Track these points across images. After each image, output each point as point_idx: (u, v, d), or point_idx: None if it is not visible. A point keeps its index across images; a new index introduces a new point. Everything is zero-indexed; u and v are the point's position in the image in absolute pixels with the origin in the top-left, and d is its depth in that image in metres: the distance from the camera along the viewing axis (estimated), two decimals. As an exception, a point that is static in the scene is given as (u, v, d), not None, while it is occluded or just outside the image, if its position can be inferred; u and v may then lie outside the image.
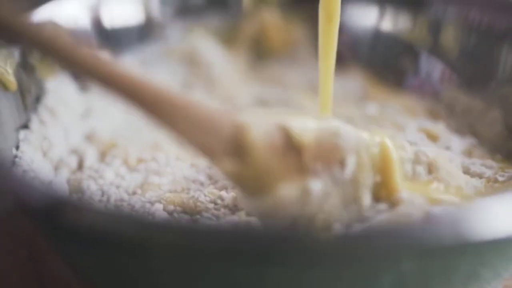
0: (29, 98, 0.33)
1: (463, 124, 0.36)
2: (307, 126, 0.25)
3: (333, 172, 0.25)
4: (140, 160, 0.32)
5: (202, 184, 0.31)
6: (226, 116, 0.25)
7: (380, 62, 0.41)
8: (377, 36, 0.41)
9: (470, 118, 0.37)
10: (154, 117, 0.24)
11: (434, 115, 0.38)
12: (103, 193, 0.30)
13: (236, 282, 0.22)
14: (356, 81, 0.41)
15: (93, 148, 0.34)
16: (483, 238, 0.20)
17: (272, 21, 0.43)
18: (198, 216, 0.29)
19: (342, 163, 0.25)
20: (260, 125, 0.25)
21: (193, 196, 0.30)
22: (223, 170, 0.25)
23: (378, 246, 0.20)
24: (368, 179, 0.25)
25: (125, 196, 0.30)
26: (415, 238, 0.20)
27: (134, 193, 0.30)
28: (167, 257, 0.21)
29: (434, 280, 0.23)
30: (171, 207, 0.29)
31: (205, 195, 0.30)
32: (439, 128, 0.36)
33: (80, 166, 0.33)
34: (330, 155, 0.25)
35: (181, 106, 0.24)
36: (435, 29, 0.39)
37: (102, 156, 0.33)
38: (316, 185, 0.24)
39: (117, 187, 0.31)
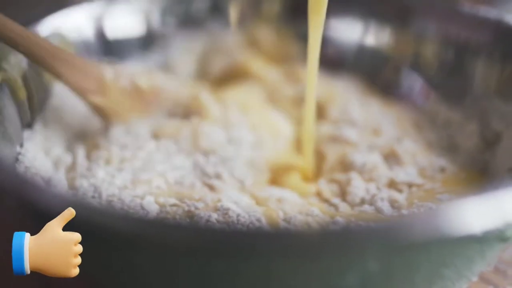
0: (35, 100, 0.35)
1: (443, 136, 0.37)
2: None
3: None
4: (123, 160, 0.34)
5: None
6: (94, 65, 0.36)
7: (366, 75, 0.42)
8: (362, 50, 0.42)
9: (450, 130, 0.38)
10: (47, 68, 0.33)
11: (419, 127, 0.39)
12: (95, 189, 0.32)
13: (213, 275, 0.24)
14: (351, 84, 0.42)
15: (83, 147, 0.35)
16: (443, 237, 0.22)
17: (267, 37, 0.44)
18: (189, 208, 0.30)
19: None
20: (117, 73, 0.36)
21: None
22: (92, 103, 0.35)
23: (343, 243, 0.21)
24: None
25: (116, 191, 0.31)
26: (379, 236, 0.21)
27: (125, 187, 0.32)
28: (150, 251, 0.23)
29: (398, 279, 0.25)
30: (162, 199, 0.31)
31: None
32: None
33: (73, 164, 0.34)
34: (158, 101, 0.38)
35: (66, 59, 0.34)
36: (416, 44, 0.41)
37: (90, 154, 0.35)
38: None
39: (109, 183, 0.32)
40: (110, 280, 0.28)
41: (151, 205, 0.30)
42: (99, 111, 0.36)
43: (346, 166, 0.35)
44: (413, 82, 0.41)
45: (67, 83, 0.34)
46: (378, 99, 0.41)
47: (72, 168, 0.34)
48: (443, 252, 0.24)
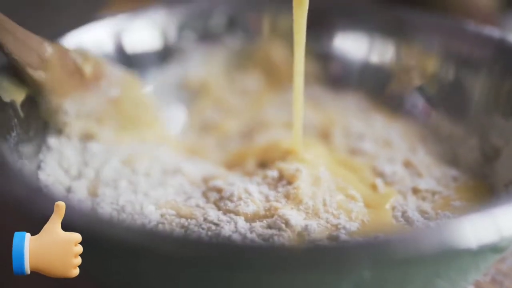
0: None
1: (446, 149, 0.38)
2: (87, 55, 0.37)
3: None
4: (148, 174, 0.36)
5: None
6: (37, 40, 0.34)
7: (370, 92, 0.43)
8: (366, 67, 0.43)
9: (452, 144, 0.38)
10: None
11: (424, 141, 0.40)
12: (115, 197, 0.33)
13: (211, 283, 0.25)
14: (356, 100, 0.43)
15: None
16: (435, 250, 0.22)
17: (280, 53, 0.45)
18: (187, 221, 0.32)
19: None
20: (58, 49, 0.35)
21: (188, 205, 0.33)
22: (31, 77, 0.34)
23: (337, 259, 0.22)
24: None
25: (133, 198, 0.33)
26: (374, 249, 0.22)
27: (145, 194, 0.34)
28: (152, 261, 0.24)
29: None
30: (163, 210, 0.32)
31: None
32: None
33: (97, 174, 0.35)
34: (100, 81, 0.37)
35: (10, 29, 0.33)
36: (419, 61, 0.41)
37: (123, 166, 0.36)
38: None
39: (133, 192, 0.34)
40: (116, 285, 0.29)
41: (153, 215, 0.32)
42: (37, 86, 0.35)
43: (376, 175, 0.36)
44: (416, 98, 0.41)
45: (8, 53, 0.33)
46: (382, 114, 0.42)
47: (95, 177, 0.35)
48: (437, 265, 0.25)
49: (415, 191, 0.35)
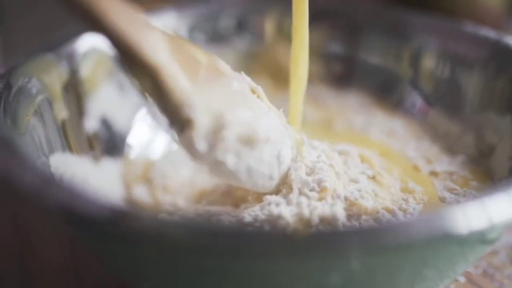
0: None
1: (444, 146, 0.39)
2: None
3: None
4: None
5: None
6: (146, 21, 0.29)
7: (371, 91, 0.44)
8: (367, 66, 0.44)
9: (450, 141, 0.39)
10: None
11: (423, 136, 0.41)
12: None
13: (207, 271, 0.25)
14: (356, 99, 0.44)
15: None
16: (420, 238, 0.23)
17: (288, 55, 0.43)
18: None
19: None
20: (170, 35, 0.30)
21: None
22: (151, 62, 0.28)
23: (327, 246, 0.23)
24: None
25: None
26: (362, 238, 0.22)
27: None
28: (155, 248, 0.24)
29: (380, 279, 0.26)
30: None
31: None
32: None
33: None
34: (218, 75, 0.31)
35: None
36: (416, 61, 0.42)
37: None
38: None
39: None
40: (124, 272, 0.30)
41: None
42: (154, 73, 0.28)
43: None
44: (414, 97, 0.42)
45: (115, 35, 0.28)
46: (383, 112, 0.43)
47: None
48: (424, 254, 0.25)
49: (434, 174, 0.36)
